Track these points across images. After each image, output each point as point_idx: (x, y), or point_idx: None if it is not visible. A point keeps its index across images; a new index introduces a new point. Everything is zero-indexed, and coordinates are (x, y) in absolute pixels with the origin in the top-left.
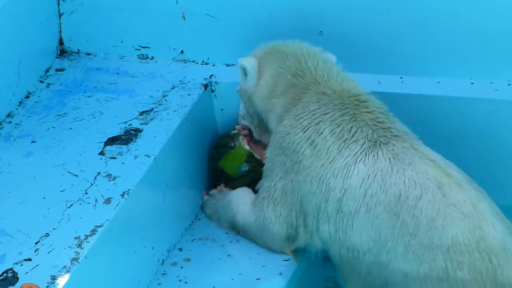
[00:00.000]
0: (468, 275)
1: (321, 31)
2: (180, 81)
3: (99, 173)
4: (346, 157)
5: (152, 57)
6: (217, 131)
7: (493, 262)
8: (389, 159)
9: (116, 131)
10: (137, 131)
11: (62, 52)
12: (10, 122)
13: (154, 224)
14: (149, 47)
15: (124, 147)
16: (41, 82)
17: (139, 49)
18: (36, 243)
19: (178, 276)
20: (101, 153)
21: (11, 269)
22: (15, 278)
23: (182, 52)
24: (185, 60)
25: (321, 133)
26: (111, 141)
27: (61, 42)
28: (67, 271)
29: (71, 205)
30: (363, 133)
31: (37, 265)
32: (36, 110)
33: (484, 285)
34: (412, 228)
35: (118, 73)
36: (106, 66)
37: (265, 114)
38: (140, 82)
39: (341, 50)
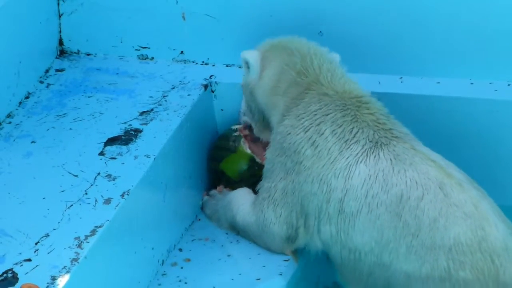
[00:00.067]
0: (470, 275)
1: (320, 31)
2: (180, 81)
3: (99, 174)
4: (347, 158)
5: (152, 58)
6: (217, 131)
7: (495, 262)
8: (391, 159)
9: (116, 131)
10: (137, 131)
11: (62, 53)
12: (10, 122)
13: (154, 224)
14: (149, 48)
15: (124, 147)
16: (41, 82)
17: (139, 49)
18: (36, 244)
19: (178, 277)
20: (101, 154)
21: (11, 269)
22: (15, 278)
23: (182, 52)
24: (185, 61)
25: (322, 133)
26: (111, 141)
27: (61, 42)
28: (67, 272)
29: (71, 205)
30: (364, 134)
31: (37, 266)
32: (36, 110)
33: (487, 285)
34: (414, 229)
35: (118, 74)
36: (106, 67)
37: (267, 110)
38: (140, 82)
39: (341, 50)
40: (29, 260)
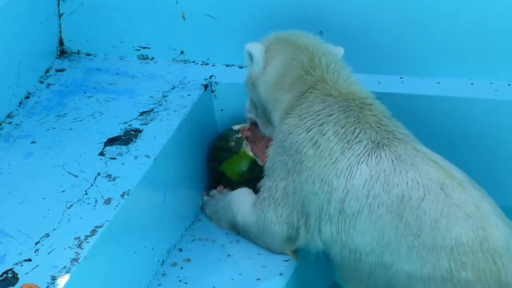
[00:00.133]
0: (472, 276)
1: (321, 31)
2: (180, 81)
3: (99, 174)
4: (349, 158)
5: (152, 58)
6: (217, 132)
7: (497, 263)
8: (392, 160)
9: (116, 131)
10: (137, 131)
11: (62, 53)
12: (10, 122)
13: (154, 224)
14: (149, 48)
15: (124, 147)
16: (41, 82)
17: (139, 50)
18: (36, 244)
19: (178, 277)
20: (101, 154)
21: (11, 269)
22: (15, 278)
23: (182, 52)
24: (185, 61)
25: (325, 134)
26: (111, 141)
27: (61, 42)
28: (67, 272)
29: (71, 205)
30: (366, 135)
31: (37, 266)
32: (36, 110)
33: (489, 285)
34: (415, 229)
35: (118, 74)
36: (106, 67)
37: (269, 105)
38: (140, 82)
39: None
40: (29, 260)
